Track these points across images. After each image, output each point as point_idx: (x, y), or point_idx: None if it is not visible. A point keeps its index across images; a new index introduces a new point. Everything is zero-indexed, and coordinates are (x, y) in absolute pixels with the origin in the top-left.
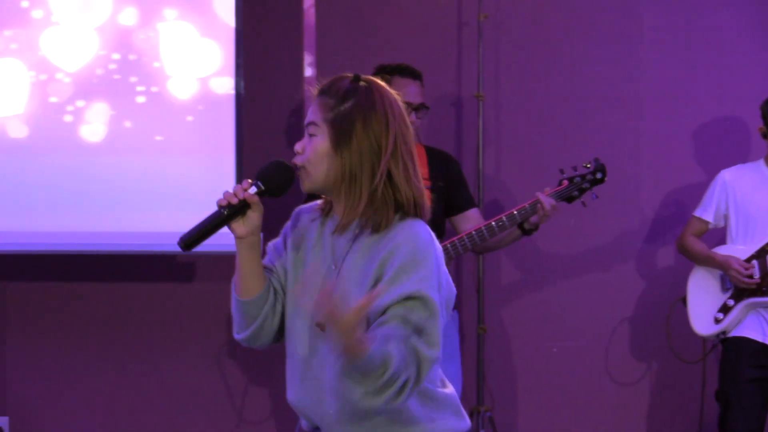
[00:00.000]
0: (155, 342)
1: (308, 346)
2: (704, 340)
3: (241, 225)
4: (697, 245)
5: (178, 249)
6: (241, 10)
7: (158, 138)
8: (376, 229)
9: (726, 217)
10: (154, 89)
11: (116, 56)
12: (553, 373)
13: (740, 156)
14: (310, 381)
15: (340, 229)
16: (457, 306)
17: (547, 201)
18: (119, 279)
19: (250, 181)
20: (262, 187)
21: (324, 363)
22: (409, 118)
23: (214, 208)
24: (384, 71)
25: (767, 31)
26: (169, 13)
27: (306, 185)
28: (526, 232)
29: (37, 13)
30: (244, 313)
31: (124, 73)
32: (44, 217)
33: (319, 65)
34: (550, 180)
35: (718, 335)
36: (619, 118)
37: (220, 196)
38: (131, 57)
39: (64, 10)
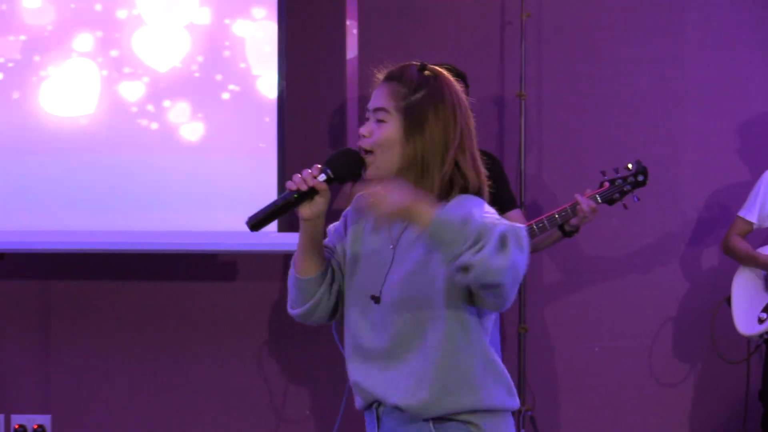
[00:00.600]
0: (196, 340)
1: (367, 320)
2: (748, 340)
3: (308, 208)
4: (741, 245)
5: (219, 248)
6: (283, 10)
7: (229, 137)
8: None
9: None
10: (235, 88)
11: (201, 56)
12: (594, 374)
13: None
14: (374, 354)
15: None
16: None
17: (586, 203)
18: (162, 278)
19: (319, 167)
20: (331, 175)
21: (386, 335)
22: None
23: (252, 209)
24: None
25: None
26: (258, 12)
27: (372, 172)
28: (567, 234)
29: (121, 13)
30: (302, 290)
31: (208, 72)
32: (88, 215)
33: (361, 65)
34: (592, 181)
35: (762, 335)
36: (662, 118)
37: (269, 193)
38: (225, 54)
39: (149, 10)
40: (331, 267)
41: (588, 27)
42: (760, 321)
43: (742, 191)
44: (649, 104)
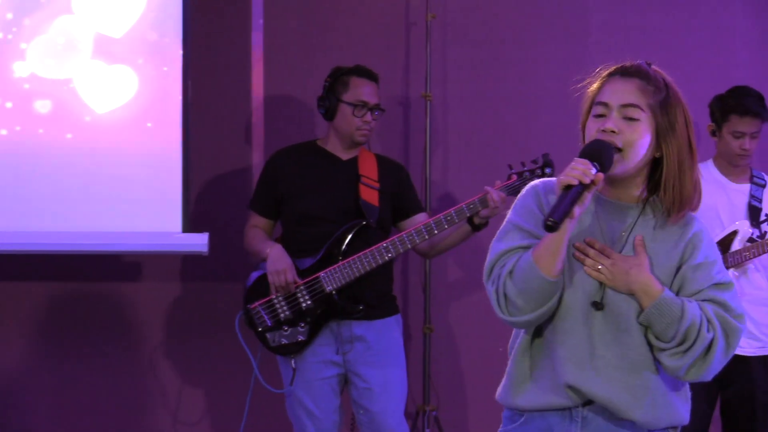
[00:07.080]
0: (100, 340)
1: (587, 326)
2: None
3: (579, 204)
4: None
5: (123, 248)
6: (188, 7)
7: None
8: (675, 221)
9: None
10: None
11: None
12: (499, 373)
13: None
14: (596, 360)
15: (675, 220)
16: (401, 310)
17: (496, 193)
18: (66, 278)
19: (584, 161)
20: (599, 169)
21: (614, 345)
22: (365, 118)
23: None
24: (341, 72)
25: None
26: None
27: (619, 168)
28: (476, 227)
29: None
30: (545, 294)
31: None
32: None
33: (267, 64)
34: (498, 180)
35: None
36: (567, 117)
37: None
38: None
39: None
40: None
41: (492, 28)
42: None
43: None
44: (555, 103)
